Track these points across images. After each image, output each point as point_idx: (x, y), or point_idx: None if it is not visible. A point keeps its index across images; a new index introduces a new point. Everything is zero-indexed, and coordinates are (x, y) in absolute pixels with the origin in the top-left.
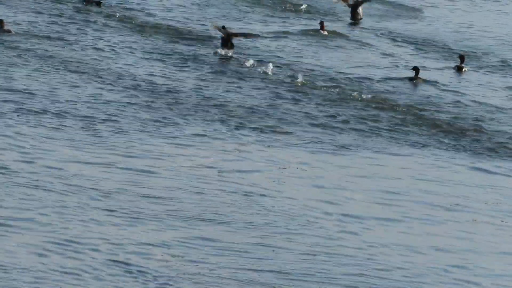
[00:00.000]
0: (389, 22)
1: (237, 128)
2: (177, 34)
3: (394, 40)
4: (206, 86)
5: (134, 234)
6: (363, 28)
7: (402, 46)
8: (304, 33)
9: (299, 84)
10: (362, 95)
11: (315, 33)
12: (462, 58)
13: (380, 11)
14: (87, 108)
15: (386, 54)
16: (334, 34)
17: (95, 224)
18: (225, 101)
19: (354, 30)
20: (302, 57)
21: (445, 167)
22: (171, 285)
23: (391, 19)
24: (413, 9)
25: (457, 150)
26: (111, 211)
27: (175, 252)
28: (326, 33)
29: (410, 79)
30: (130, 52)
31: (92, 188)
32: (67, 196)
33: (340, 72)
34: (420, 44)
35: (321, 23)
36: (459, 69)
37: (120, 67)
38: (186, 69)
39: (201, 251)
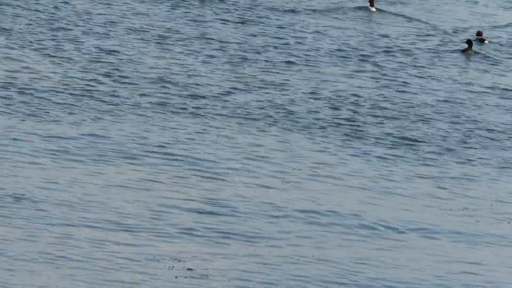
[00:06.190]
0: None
1: None
2: None
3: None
4: None
5: None
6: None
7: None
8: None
9: None
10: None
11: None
12: (480, 33)
13: None
14: None
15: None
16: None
17: None
18: None
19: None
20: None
21: None
22: None
23: None
24: None
25: None
26: None
27: None
28: (374, 10)
29: (463, 51)
30: None
31: None
32: None
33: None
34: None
35: (371, 0)
36: (481, 41)
37: None
38: None
39: None
